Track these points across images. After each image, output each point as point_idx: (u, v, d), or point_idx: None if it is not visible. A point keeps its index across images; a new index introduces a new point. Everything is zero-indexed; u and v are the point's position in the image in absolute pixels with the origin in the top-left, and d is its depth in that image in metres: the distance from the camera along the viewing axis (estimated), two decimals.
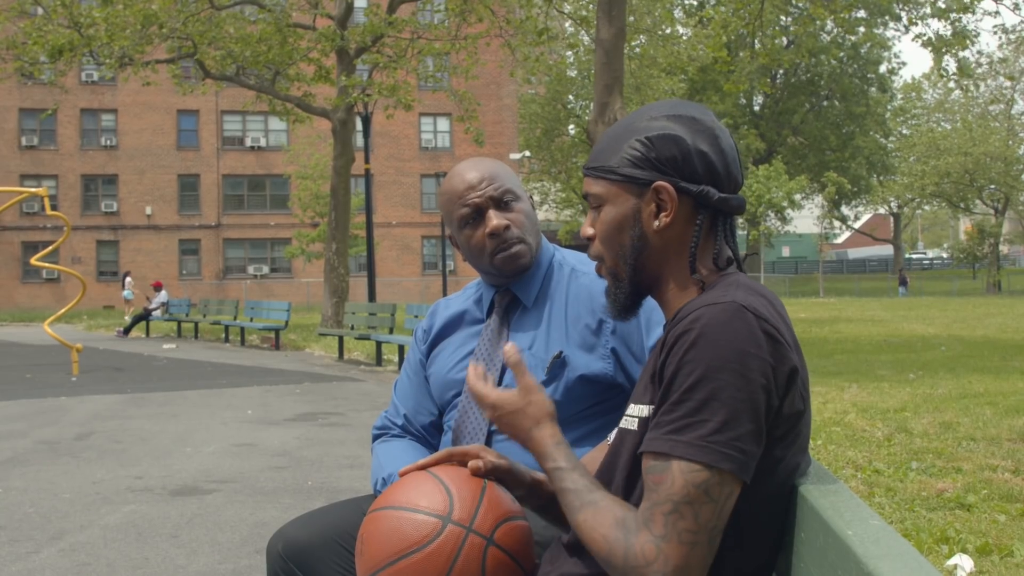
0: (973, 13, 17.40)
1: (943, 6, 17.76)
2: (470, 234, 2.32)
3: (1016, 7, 18.19)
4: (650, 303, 1.86)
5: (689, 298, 1.59)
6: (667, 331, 1.51)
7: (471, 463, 1.63)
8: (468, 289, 2.53)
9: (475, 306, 2.46)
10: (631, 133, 1.60)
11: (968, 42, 17.63)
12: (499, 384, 2.30)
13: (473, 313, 2.46)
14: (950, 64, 17.27)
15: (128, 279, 35.05)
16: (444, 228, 2.53)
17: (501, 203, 2.30)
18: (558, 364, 2.24)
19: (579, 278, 2.33)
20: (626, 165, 1.59)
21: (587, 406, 2.25)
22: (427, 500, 1.54)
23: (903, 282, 56.05)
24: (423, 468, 1.64)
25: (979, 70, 19.44)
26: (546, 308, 2.32)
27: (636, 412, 1.55)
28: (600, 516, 1.47)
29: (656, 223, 1.58)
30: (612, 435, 1.73)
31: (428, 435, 2.48)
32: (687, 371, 1.41)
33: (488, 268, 2.35)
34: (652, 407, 1.50)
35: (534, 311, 2.33)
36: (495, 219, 2.28)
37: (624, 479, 1.56)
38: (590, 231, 1.65)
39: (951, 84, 63.49)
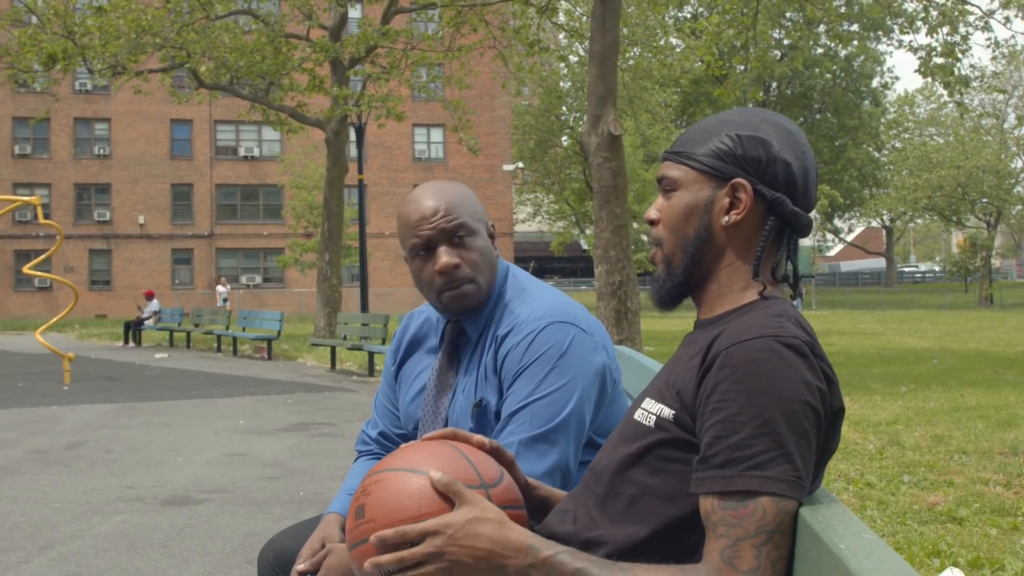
0: (963, 16, 17.36)
1: (938, 8, 17.73)
2: (420, 266, 2.20)
3: (1007, 20, 18.21)
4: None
5: (737, 302, 1.59)
6: (711, 349, 1.49)
7: (477, 437, 1.62)
8: None
9: (434, 330, 2.38)
10: (723, 127, 1.62)
11: (959, 56, 17.61)
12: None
13: (431, 339, 2.38)
14: (944, 81, 17.13)
15: (220, 288, 35.26)
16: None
17: (454, 238, 2.16)
18: (480, 412, 2.17)
19: (509, 335, 2.17)
20: (711, 156, 1.60)
21: None
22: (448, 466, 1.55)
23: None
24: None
25: (974, 83, 19.39)
26: (488, 347, 2.21)
27: (655, 410, 1.54)
28: None
29: (725, 219, 1.59)
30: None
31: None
32: (760, 403, 1.40)
33: (435, 303, 2.25)
34: (672, 412, 1.51)
35: (478, 349, 2.23)
36: (445, 257, 2.15)
37: (619, 463, 1.56)
38: (654, 215, 1.66)
39: (944, 99, 63.85)
